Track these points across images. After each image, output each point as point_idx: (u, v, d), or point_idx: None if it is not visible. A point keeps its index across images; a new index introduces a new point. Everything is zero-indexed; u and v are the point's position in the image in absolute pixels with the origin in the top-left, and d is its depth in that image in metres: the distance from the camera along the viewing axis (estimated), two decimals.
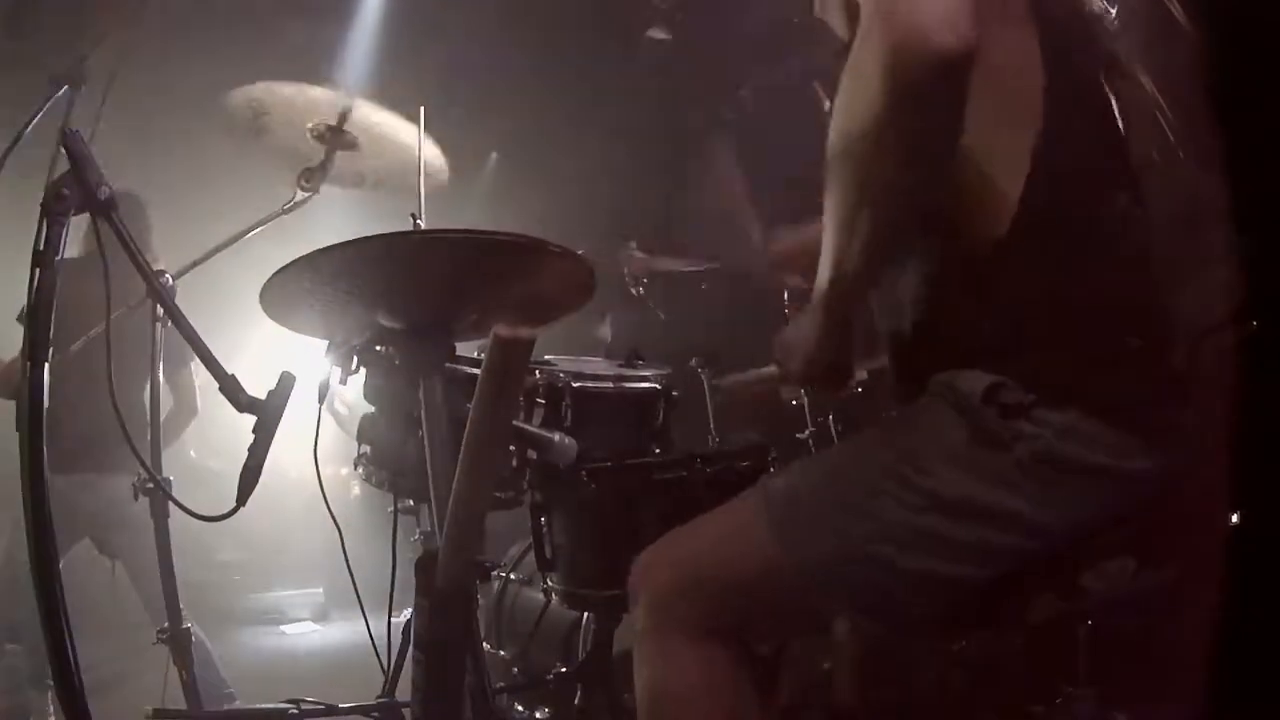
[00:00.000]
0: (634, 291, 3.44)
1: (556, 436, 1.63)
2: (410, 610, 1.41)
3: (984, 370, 1.08)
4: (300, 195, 2.10)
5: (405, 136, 2.04)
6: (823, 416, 2.77)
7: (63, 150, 1.39)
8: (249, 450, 1.40)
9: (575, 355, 2.16)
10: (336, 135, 2.03)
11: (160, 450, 2.41)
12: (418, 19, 4.89)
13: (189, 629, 2.33)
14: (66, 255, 1.41)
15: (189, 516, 1.52)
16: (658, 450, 1.88)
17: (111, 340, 1.53)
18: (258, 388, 1.42)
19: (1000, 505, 1.06)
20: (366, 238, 1.35)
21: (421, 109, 1.96)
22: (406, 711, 1.74)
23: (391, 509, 1.89)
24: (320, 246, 1.33)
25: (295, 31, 4.61)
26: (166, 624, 2.31)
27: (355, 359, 1.61)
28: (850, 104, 1.00)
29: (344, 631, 5.27)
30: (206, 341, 1.46)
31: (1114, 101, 1.15)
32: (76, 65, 1.63)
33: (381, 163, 2.13)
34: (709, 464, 1.70)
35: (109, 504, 2.95)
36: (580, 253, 1.45)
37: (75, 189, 1.39)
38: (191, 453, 6.04)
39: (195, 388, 3.25)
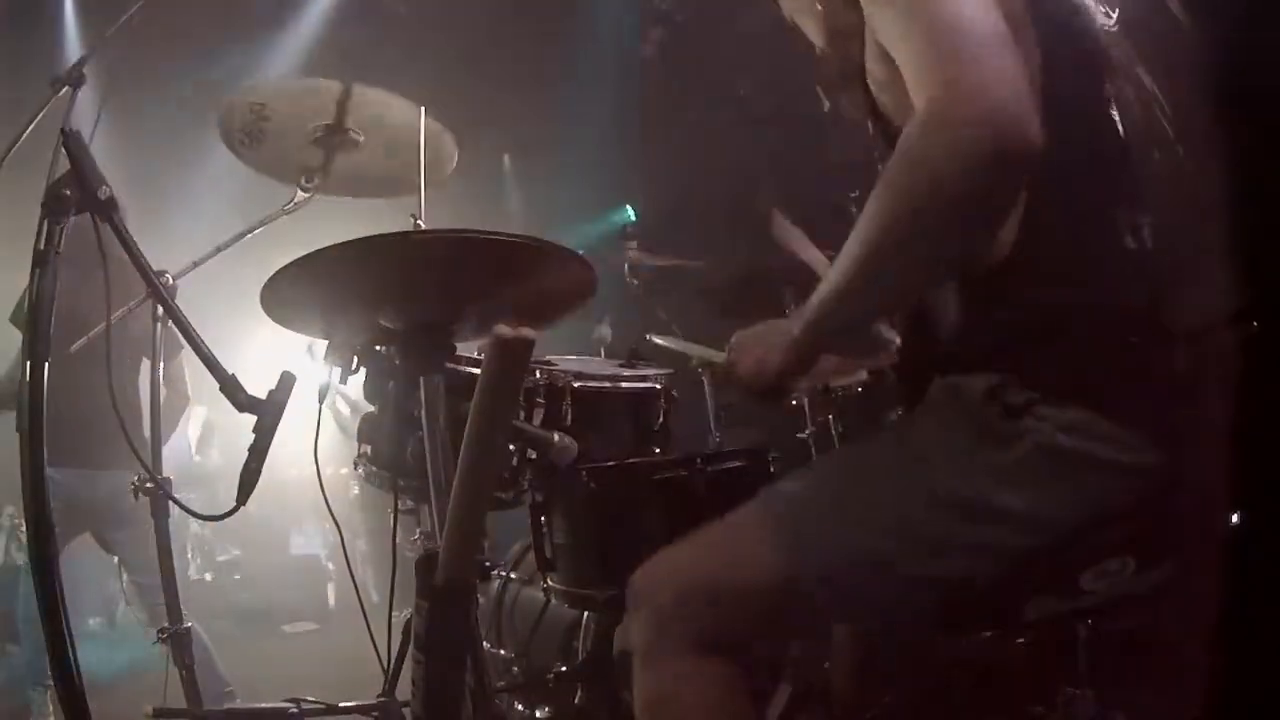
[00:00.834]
0: (631, 282, 3.41)
1: (556, 436, 1.63)
2: (410, 610, 1.41)
3: (987, 371, 1.09)
4: (300, 195, 2.10)
5: (407, 128, 2.01)
6: (823, 416, 2.77)
7: (63, 150, 1.40)
8: (249, 450, 1.40)
9: (575, 355, 2.16)
10: (337, 134, 2.02)
11: (160, 449, 2.41)
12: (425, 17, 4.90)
13: (189, 628, 2.33)
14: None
15: (189, 516, 1.52)
16: (658, 450, 1.88)
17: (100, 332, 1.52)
18: (258, 388, 1.42)
19: (1006, 504, 1.07)
20: (366, 238, 1.35)
21: (422, 109, 1.95)
22: (406, 711, 1.74)
23: (391, 509, 1.89)
24: (320, 246, 1.33)
25: (296, 31, 4.61)
26: (166, 623, 2.31)
27: (355, 359, 1.61)
28: (911, 185, 0.99)
29: (344, 631, 5.27)
30: (207, 341, 1.46)
31: (1114, 102, 1.15)
32: (76, 65, 1.62)
33: (382, 164, 2.12)
34: (709, 464, 1.70)
35: (109, 499, 2.95)
36: (580, 253, 1.45)
37: (75, 189, 1.40)
38: (195, 457, 6.06)
39: (186, 377, 3.27)
